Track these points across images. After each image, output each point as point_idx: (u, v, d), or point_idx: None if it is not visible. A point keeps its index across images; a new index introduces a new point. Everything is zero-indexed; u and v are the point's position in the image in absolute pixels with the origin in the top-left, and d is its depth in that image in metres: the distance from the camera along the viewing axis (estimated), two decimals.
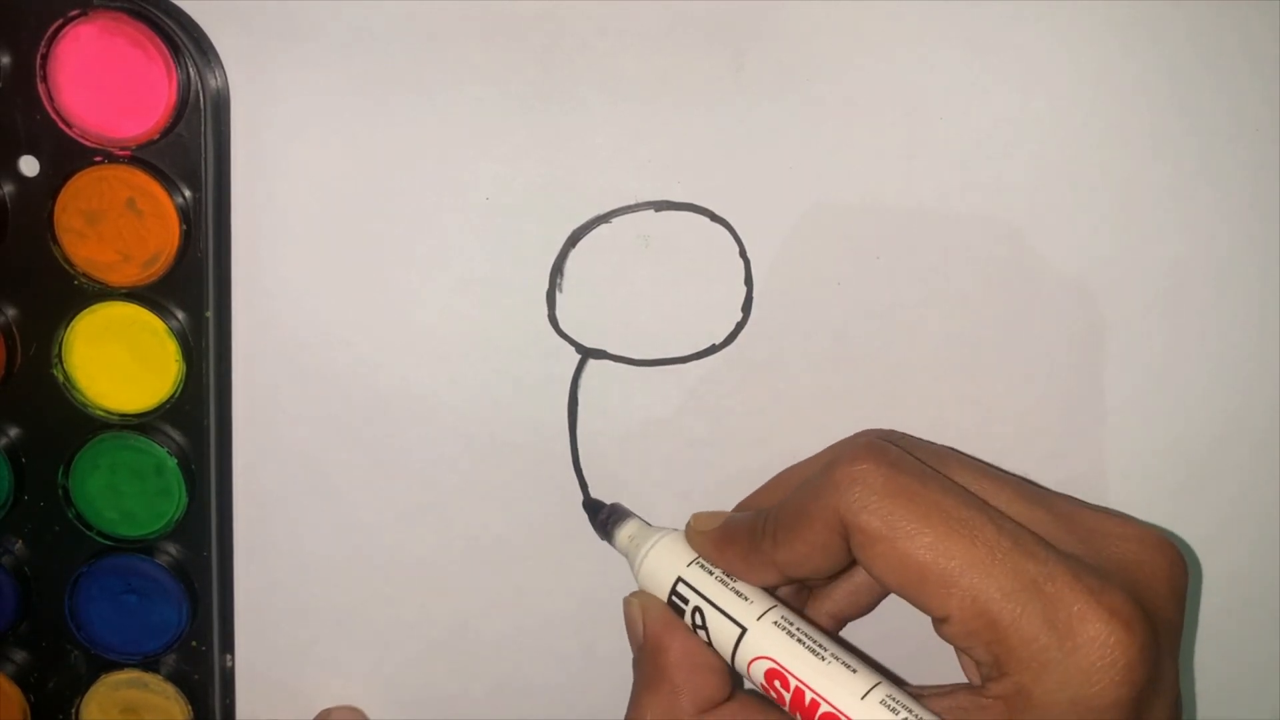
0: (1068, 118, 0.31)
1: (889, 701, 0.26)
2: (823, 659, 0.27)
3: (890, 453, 0.27)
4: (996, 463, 0.33)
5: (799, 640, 0.28)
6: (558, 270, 0.32)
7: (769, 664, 0.28)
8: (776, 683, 0.27)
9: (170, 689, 0.35)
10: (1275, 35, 0.30)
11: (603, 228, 0.32)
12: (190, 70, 0.30)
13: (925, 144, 0.31)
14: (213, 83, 0.31)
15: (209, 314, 0.32)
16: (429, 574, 0.35)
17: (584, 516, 0.34)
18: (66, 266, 0.32)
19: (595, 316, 0.32)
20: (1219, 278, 0.32)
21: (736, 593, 0.29)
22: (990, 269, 0.32)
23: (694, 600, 0.29)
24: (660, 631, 0.29)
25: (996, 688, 0.26)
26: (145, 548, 0.34)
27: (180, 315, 0.32)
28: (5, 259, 0.32)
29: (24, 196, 0.31)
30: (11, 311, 0.33)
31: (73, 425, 0.33)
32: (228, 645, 0.36)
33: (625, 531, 0.32)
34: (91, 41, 0.30)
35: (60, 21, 0.30)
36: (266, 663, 0.36)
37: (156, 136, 0.31)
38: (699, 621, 0.29)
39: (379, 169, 0.32)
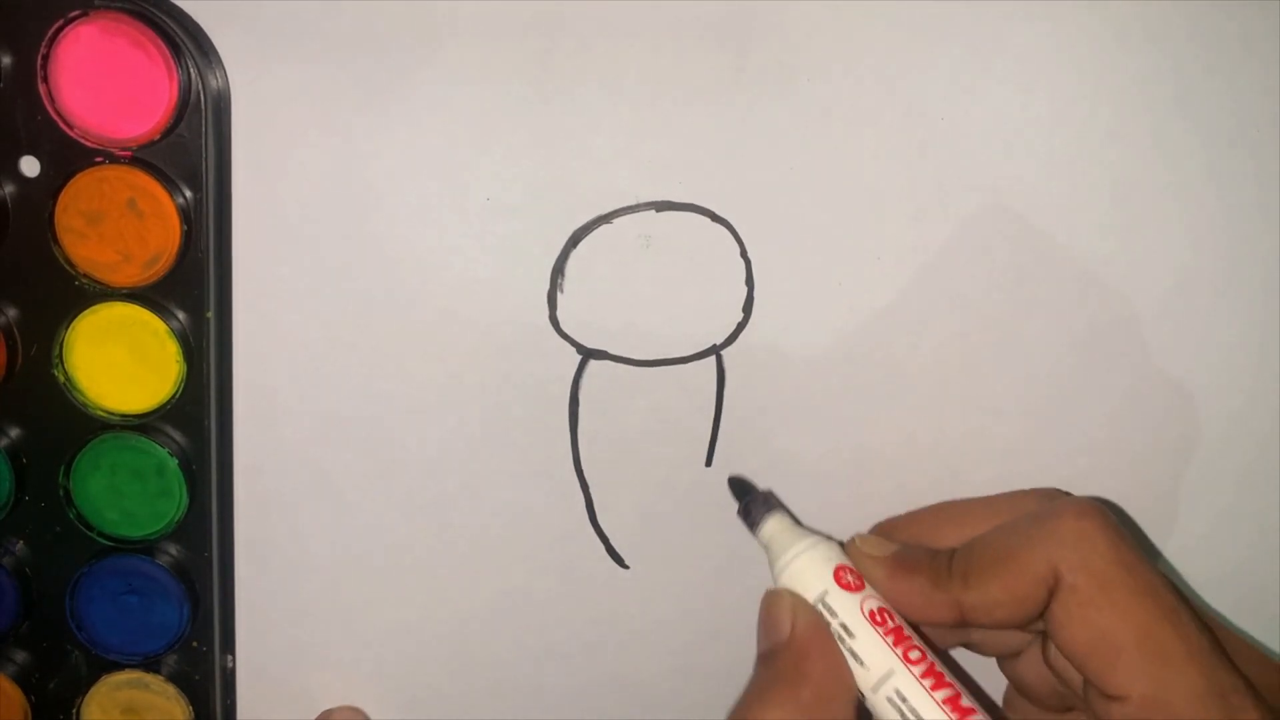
0: (1068, 118, 0.31)
1: None
2: None
3: (1112, 519, 0.27)
4: (998, 465, 0.33)
5: None
6: (559, 271, 0.32)
7: None
8: None
9: (171, 689, 0.36)
10: (1275, 35, 0.30)
11: (604, 228, 0.32)
12: (191, 70, 0.30)
13: (926, 144, 0.31)
14: (213, 83, 0.31)
15: (210, 314, 0.32)
16: (429, 574, 0.35)
17: (584, 518, 0.34)
18: (67, 267, 0.32)
19: (596, 317, 0.32)
20: (1219, 277, 0.32)
21: (871, 639, 0.28)
22: (991, 269, 0.32)
23: (835, 622, 0.28)
24: (812, 635, 0.28)
25: None
26: (146, 548, 0.34)
27: (181, 316, 0.32)
28: (6, 259, 0.32)
29: (25, 197, 0.31)
30: (12, 312, 0.33)
31: (74, 426, 0.33)
32: (228, 646, 0.36)
33: (774, 525, 0.30)
34: (92, 42, 0.30)
35: (61, 22, 0.30)
36: (267, 663, 0.36)
37: (157, 137, 0.31)
38: (842, 640, 0.28)
39: (379, 169, 0.32)
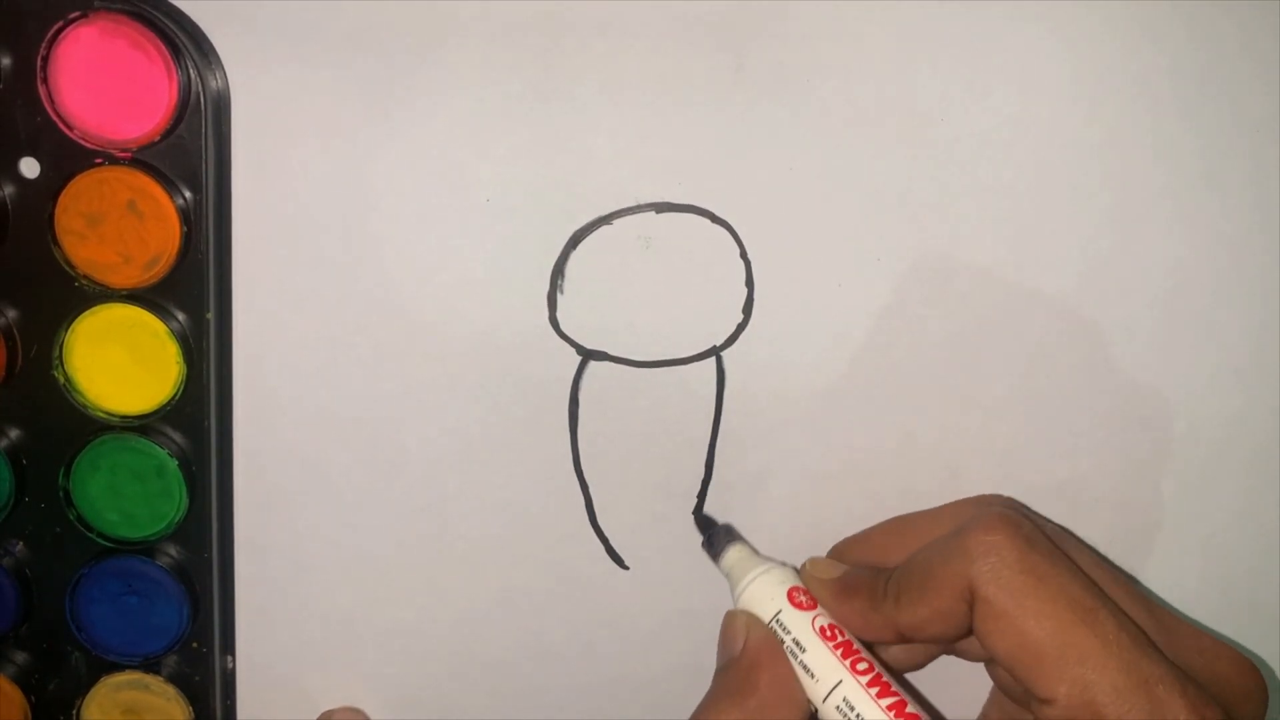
0: (1068, 118, 0.31)
1: None
2: None
3: (1024, 527, 0.28)
4: (998, 465, 0.33)
5: None
6: (558, 272, 0.32)
7: None
8: None
9: (171, 690, 0.36)
10: (1275, 35, 0.30)
11: (604, 229, 0.32)
12: (191, 71, 0.30)
13: (925, 145, 0.31)
14: (213, 84, 0.31)
15: (210, 315, 0.32)
16: (429, 574, 0.35)
17: (583, 517, 0.34)
18: (67, 268, 0.32)
19: (596, 318, 0.32)
20: (1219, 278, 0.32)
21: (821, 652, 0.29)
22: (990, 269, 0.32)
23: (789, 639, 0.30)
24: (761, 649, 0.29)
25: None
26: (146, 549, 0.34)
27: (181, 317, 0.32)
28: (6, 261, 0.32)
29: (25, 198, 0.31)
30: (12, 313, 0.33)
31: (73, 427, 0.33)
32: (229, 646, 0.36)
33: (733, 555, 0.32)
34: (92, 43, 0.30)
35: (61, 23, 0.30)
36: (267, 664, 0.36)
37: (157, 138, 0.31)
38: (794, 655, 0.29)
39: (379, 169, 0.32)
